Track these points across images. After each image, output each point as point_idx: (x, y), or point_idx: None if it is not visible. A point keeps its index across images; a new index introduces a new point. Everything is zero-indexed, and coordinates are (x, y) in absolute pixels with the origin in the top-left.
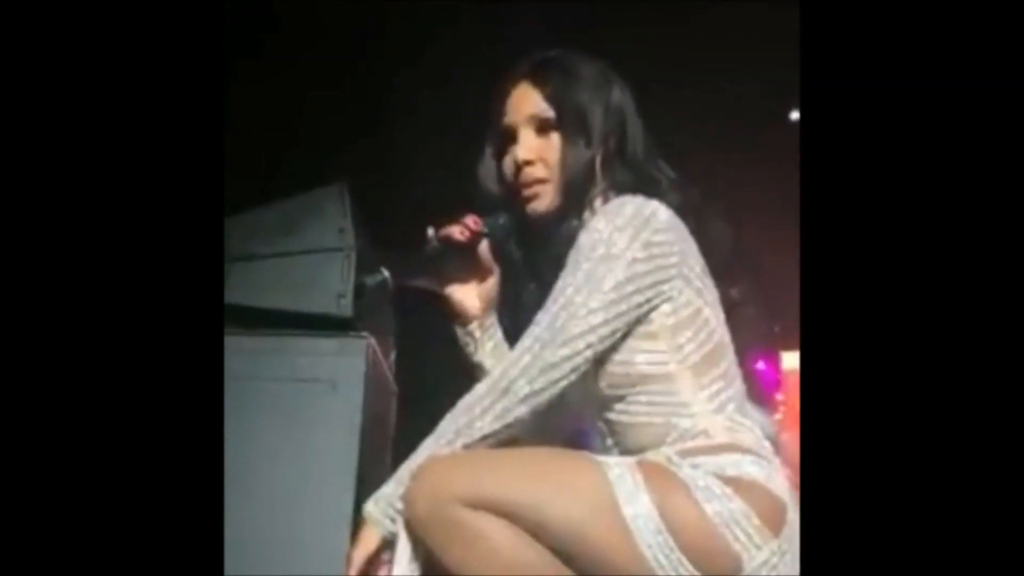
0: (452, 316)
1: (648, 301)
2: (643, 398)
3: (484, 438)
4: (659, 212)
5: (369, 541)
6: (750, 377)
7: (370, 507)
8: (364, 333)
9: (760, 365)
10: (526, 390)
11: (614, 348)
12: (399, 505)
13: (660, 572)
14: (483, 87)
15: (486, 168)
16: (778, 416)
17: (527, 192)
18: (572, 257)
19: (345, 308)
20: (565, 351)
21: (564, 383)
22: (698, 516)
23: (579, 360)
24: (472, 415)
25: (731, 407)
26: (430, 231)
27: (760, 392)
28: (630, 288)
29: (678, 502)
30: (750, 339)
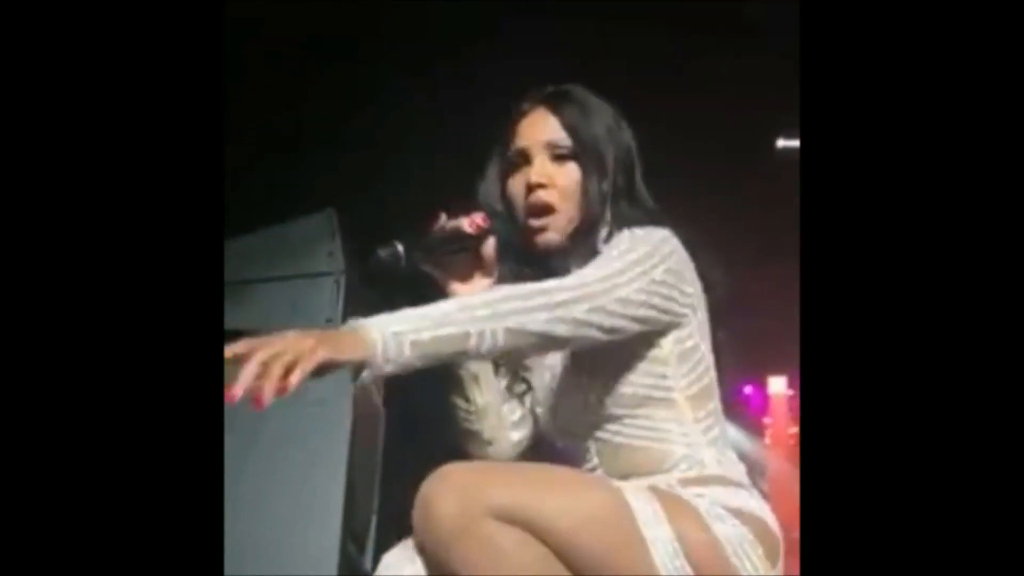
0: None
1: (667, 319)
2: (644, 422)
3: (477, 335)
4: (680, 245)
5: (347, 350)
6: (739, 402)
7: (374, 331)
8: None
9: (748, 390)
10: (542, 326)
11: (626, 367)
12: (407, 353)
13: (661, 566)
14: (477, 114)
15: (489, 188)
16: (767, 440)
17: (535, 216)
18: (611, 251)
19: None
20: (590, 316)
21: (566, 343)
22: (711, 543)
23: (588, 332)
24: (533, 303)
25: (720, 443)
26: (442, 217)
27: (748, 416)
28: (658, 298)
29: (693, 529)
30: (739, 364)
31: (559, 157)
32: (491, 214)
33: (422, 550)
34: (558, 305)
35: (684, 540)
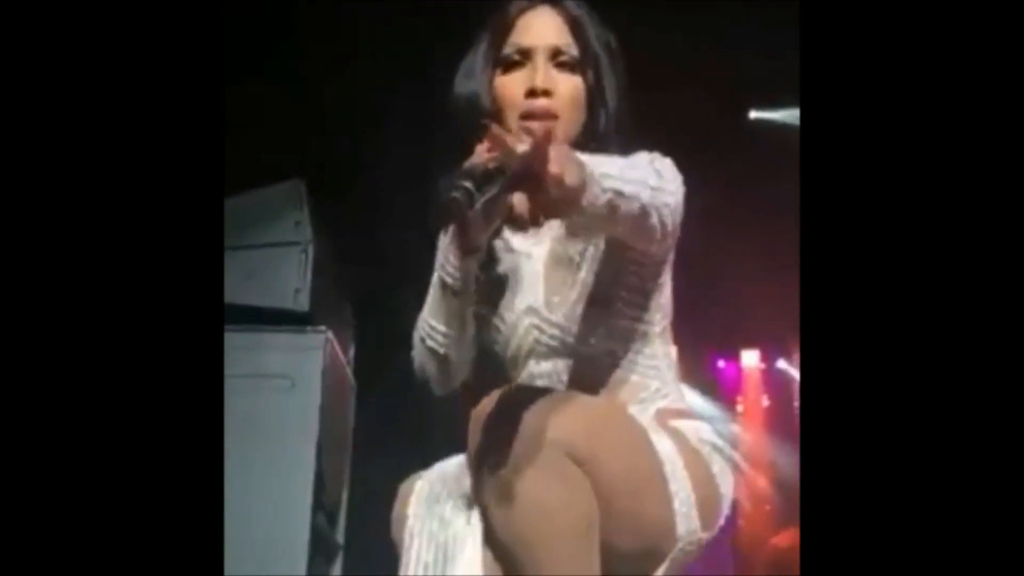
0: (472, 240)
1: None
2: (624, 353)
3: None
4: None
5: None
6: (712, 375)
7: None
8: (322, 328)
9: (721, 363)
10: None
11: (617, 297)
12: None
13: (679, 519)
14: (441, 79)
15: (475, 84)
16: (740, 407)
17: (535, 120)
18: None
19: (302, 302)
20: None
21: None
22: (707, 474)
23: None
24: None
25: (677, 378)
26: (480, 149)
27: (721, 389)
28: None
29: (694, 459)
30: (712, 336)
31: (563, 64)
32: (473, 113)
33: (481, 466)
34: (654, 190)
35: (689, 468)
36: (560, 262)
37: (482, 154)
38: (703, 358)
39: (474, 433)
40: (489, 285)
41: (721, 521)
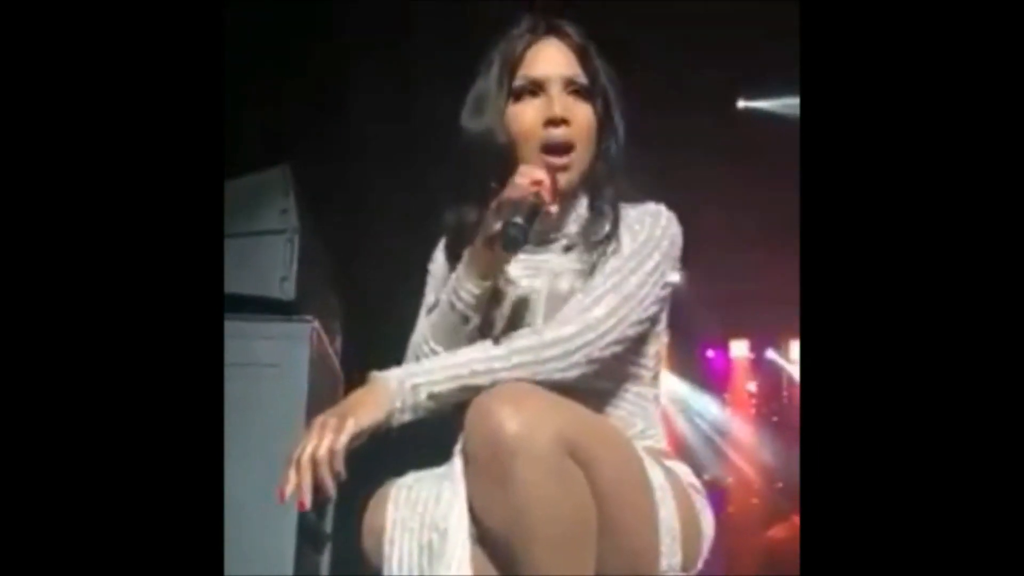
0: (495, 266)
1: (661, 307)
2: (620, 392)
3: (538, 382)
4: (675, 220)
5: (370, 412)
6: (701, 365)
7: (392, 384)
8: (308, 317)
9: (710, 353)
10: (595, 354)
11: (631, 344)
12: (423, 396)
13: (664, 549)
14: (436, 68)
15: (490, 119)
16: (728, 397)
17: (555, 154)
18: (632, 247)
19: (288, 291)
20: (604, 352)
21: (574, 382)
22: (693, 512)
23: (602, 364)
24: (548, 354)
25: (660, 422)
26: (517, 183)
27: (710, 378)
28: (660, 296)
29: (682, 495)
30: (701, 327)
31: (576, 93)
32: (489, 145)
33: (472, 460)
34: (577, 350)
35: (678, 501)
36: (559, 297)
37: (521, 187)
38: (692, 348)
39: (472, 424)
40: (491, 315)
41: (700, 564)
